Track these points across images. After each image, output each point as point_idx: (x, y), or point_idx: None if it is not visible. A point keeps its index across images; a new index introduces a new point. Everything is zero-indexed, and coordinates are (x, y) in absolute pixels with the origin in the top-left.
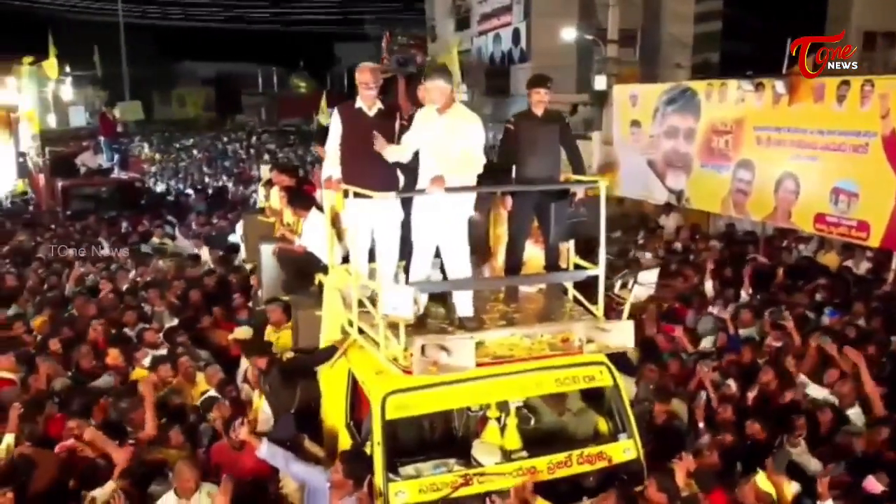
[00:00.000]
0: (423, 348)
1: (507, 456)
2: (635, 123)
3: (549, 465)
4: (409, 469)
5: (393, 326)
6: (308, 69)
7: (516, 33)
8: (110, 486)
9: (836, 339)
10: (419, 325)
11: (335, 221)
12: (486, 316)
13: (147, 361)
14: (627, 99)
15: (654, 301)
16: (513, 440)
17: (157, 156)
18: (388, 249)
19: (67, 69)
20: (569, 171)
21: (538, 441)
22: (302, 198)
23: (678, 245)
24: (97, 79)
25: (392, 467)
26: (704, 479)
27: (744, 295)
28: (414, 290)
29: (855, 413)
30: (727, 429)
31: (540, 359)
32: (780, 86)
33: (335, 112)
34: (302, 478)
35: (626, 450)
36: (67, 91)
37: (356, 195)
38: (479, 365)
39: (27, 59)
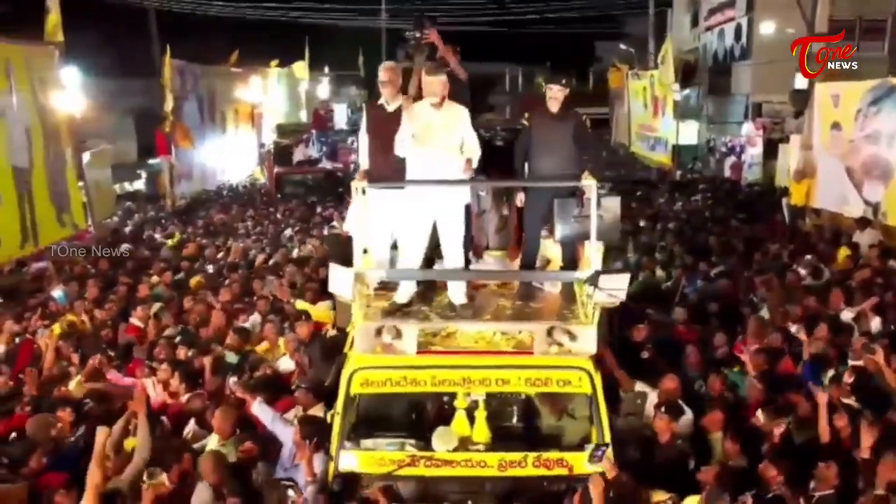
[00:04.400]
0: (379, 329)
1: (463, 445)
2: (836, 126)
3: (500, 463)
4: (368, 442)
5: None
6: (557, 68)
7: (738, 29)
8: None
9: None
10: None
11: None
12: (477, 309)
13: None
14: (829, 99)
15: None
16: (481, 432)
17: None
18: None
19: (326, 70)
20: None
21: (512, 438)
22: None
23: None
24: (360, 79)
25: (354, 438)
26: None
27: (875, 325)
28: (353, 272)
29: None
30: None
31: (494, 354)
32: None
33: (364, 109)
34: (280, 436)
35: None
36: (324, 90)
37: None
38: (421, 353)
39: (273, 63)
